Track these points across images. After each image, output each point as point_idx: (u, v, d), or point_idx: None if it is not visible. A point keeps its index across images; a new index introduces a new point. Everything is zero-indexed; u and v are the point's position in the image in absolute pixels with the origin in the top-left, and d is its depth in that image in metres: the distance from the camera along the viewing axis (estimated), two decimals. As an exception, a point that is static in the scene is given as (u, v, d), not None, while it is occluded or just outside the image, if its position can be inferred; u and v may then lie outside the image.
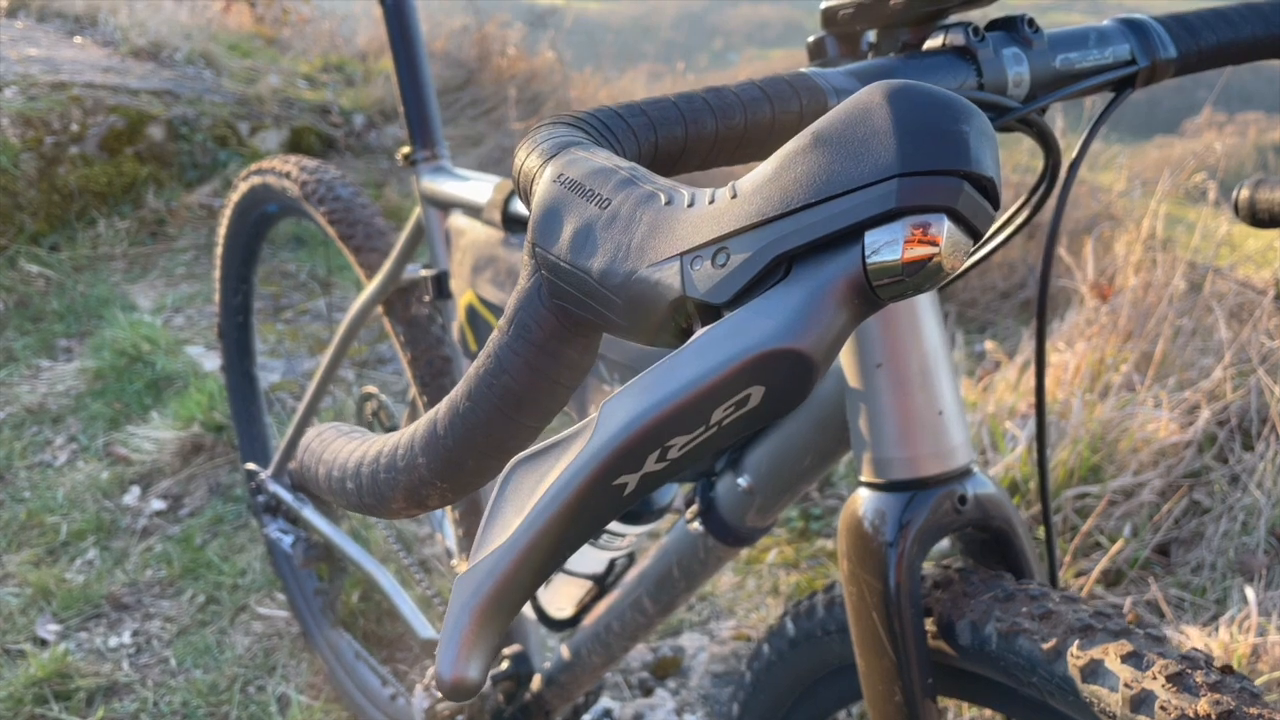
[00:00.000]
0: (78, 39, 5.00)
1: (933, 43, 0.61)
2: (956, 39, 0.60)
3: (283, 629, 1.99)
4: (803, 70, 0.55)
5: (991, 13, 0.64)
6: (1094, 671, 0.60)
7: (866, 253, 0.32)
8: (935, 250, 0.32)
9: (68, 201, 3.63)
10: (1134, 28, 0.65)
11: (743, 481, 0.85)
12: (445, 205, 1.16)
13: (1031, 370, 2.22)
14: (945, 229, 0.32)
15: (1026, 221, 0.72)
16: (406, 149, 1.22)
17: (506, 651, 1.21)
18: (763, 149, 0.53)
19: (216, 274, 1.80)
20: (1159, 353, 2.10)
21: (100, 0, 5.53)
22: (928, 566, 0.74)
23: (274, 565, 1.93)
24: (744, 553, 2.09)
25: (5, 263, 3.50)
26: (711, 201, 0.36)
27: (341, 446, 0.51)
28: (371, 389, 1.62)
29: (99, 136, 3.74)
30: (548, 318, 0.42)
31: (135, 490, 2.49)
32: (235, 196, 1.65)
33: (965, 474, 0.71)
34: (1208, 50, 0.67)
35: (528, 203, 0.43)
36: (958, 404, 0.71)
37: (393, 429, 1.60)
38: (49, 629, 2.08)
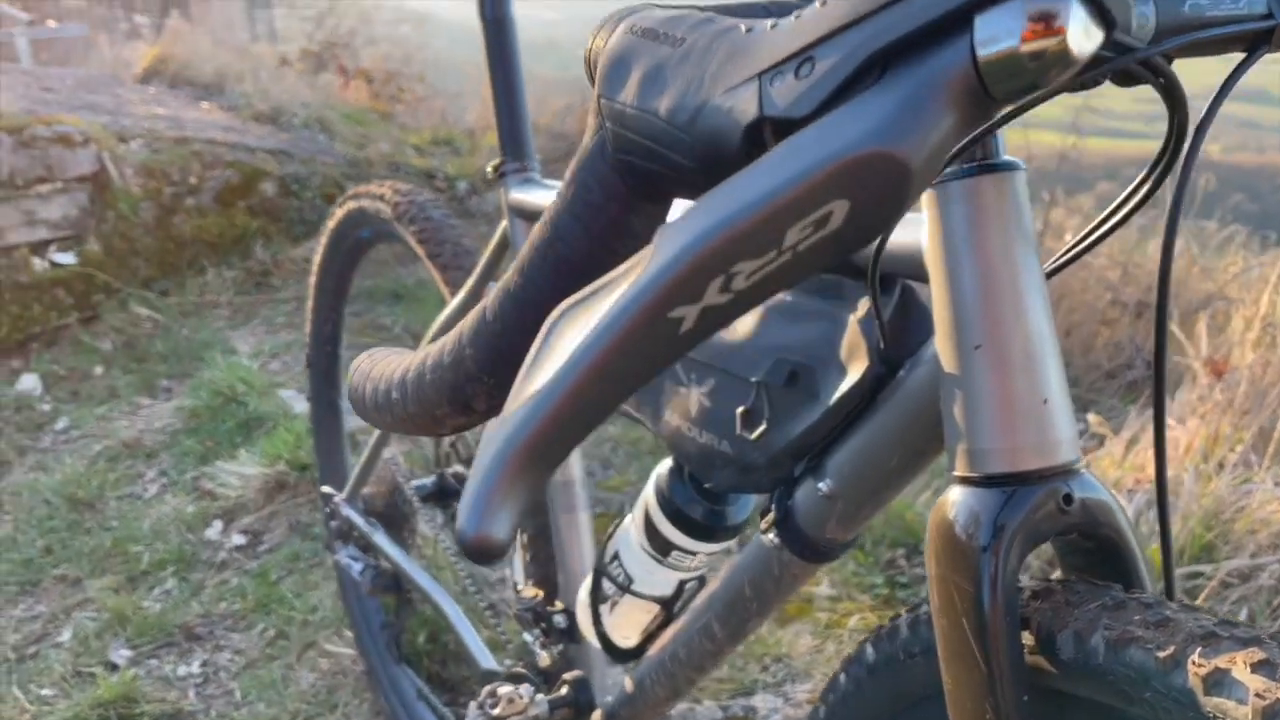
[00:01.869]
0: (204, 104, 5.23)
1: None
2: None
3: (348, 667, 1.95)
4: None
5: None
6: (1219, 682, 0.52)
7: (976, 41, 0.28)
8: (1060, 34, 0.27)
9: (180, 249, 3.76)
10: None
11: (823, 486, 0.79)
12: (532, 216, 1.14)
13: (1140, 448, 2.10)
14: (1072, 7, 0.27)
15: (1150, 194, 0.66)
16: (496, 161, 1.21)
17: (567, 677, 1.15)
18: None
19: (309, 303, 1.82)
20: (1279, 431, 1.97)
21: (228, 69, 5.80)
22: (1025, 576, 0.67)
23: (342, 596, 1.90)
24: (824, 617, 2.00)
25: (117, 305, 3.62)
26: (798, 17, 0.32)
27: (391, 361, 0.48)
28: (451, 419, 1.60)
29: (215, 189, 3.88)
30: (610, 176, 0.39)
31: (218, 524, 2.51)
32: (332, 223, 1.67)
33: (1071, 472, 0.64)
34: None
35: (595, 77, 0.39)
36: (1064, 394, 0.65)
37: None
38: (121, 654, 2.08)
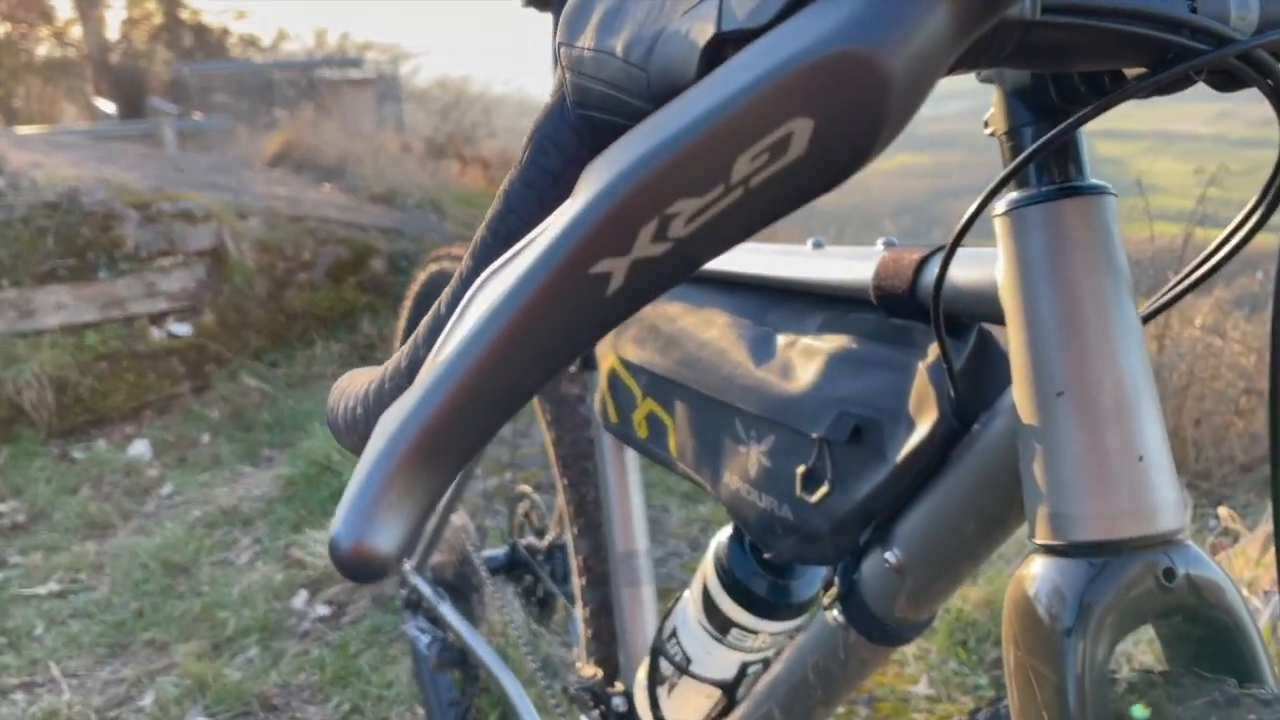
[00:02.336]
0: (325, 186, 5.42)
1: None
2: None
3: (419, 746, 1.89)
4: None
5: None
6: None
7: None
8: None
9: (291, 322, 3.85)
10: None
11: (891, 557, 0.70)
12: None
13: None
14: None
15: (1259, 226, 0.57)
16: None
17: (619, 767, 1.06)
18: None
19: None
20: None
21: (350, 154, 6.01)
22: (1119, 664, 0.57)
23: (415, 668, 1.85)
24: (920, 719, 1.85)
25: (228, 375, 3.71)
26: None
27: (362, 377, 0.42)
28: (525, 489, 1.55)
29: (326, 265, 3.97)
30: (568, 137, 0.33)
31: (303, 594, 2.49)
32: (416, 286, 1.65)
33: (1173, 543, 0.55)
34: None
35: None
36: (1164, 451, 0.55)
37: (542, 532, 1.51)
38: (197, 720, 2.06)
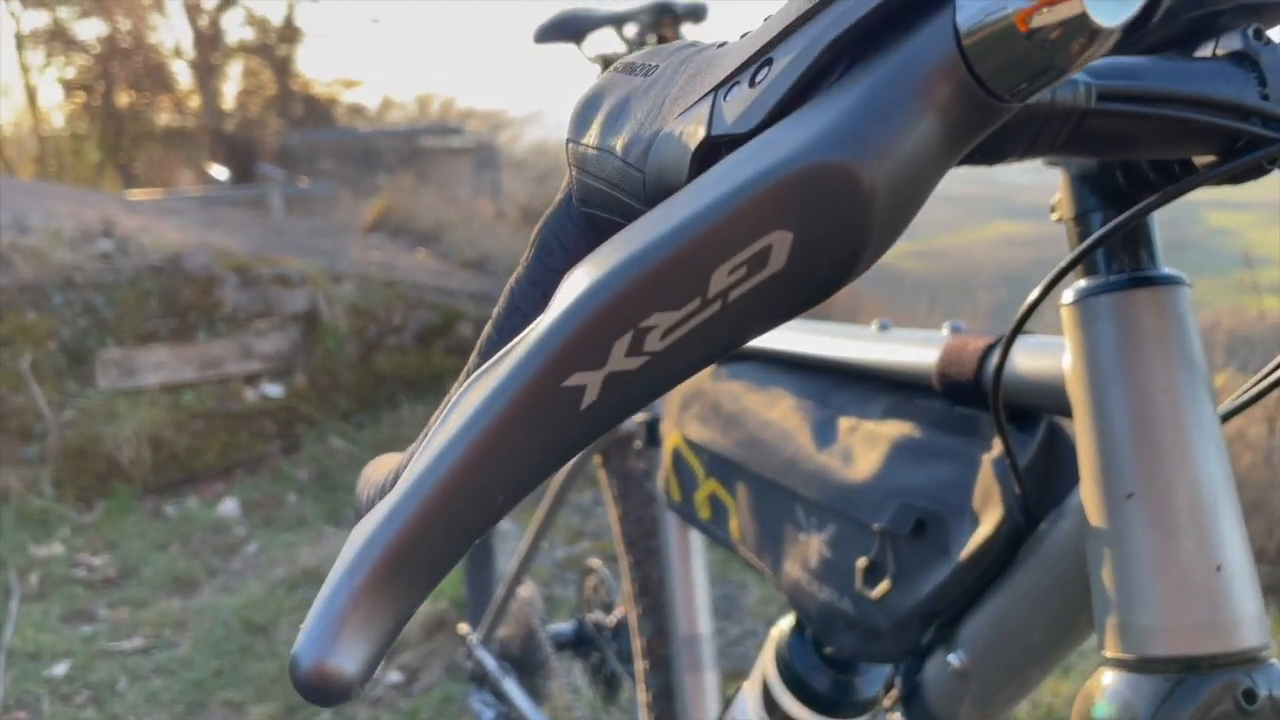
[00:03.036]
0: (419, 252, 5.54)
1: (1202, 52, 0.47)
2: (1232, 43, 0.46)
3: (482, 822, 1.85)
4: None
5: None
6: None
7: (959, 17, 0.20)
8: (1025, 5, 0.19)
9: (379, 385, 3.92)
10: None
11: (954, 659, 0.67)
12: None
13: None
14: None
15: None
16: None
17: None
18: None
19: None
20: None
21: (445, 221, 6.15)
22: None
23: (479, 745, 1.82)
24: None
25: (316, 436, 3.78)
26: (768, 19, 0.25)
27: (387, 463, 0.41)
28: (595, 563, 1.52)
29: (416, 329, 4.04)
30: (573, 234, 0.32)
31: (378, 659, 2.49)
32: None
33: (1256, 661, 0.50)
34: None
35: None
36: (1245, 560, 0.51)
37: (610, 608, 1.48)
38: (267, 785, 2.07)
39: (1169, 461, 0.52)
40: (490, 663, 1.50)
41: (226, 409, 3.63)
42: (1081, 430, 0.54)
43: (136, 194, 12.19)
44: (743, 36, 0.26)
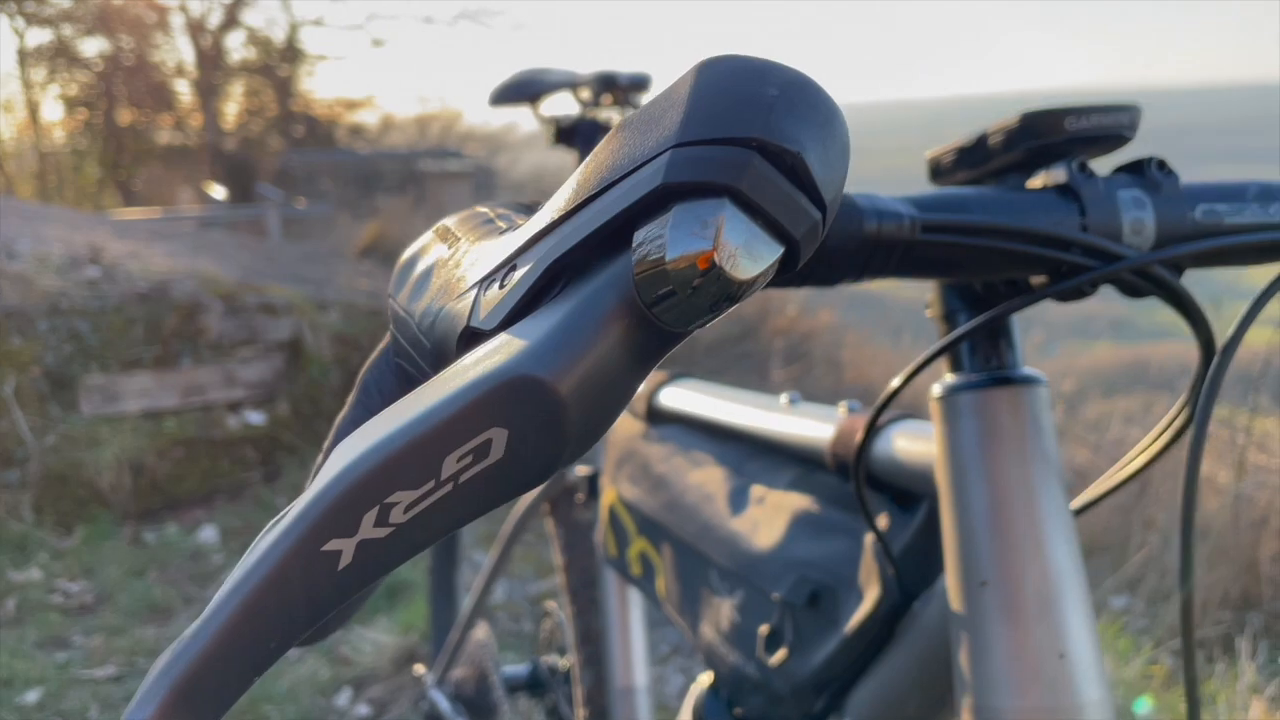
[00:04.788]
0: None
1: (1033, 182, 0.51)
2: (1058, 175, 0.49)
3: None
4: (853, 192, 0.47)
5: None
6: None
7: (634, 256, 0.24)
8: (708, 246, 0.22)
9: (362, 414, 3.94)
10: None
11: (844, 728, 0.70)
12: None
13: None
14: (721, 217, 0.23)
15: (1190, 422, 0.56)
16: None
17: None
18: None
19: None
20: None
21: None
22: None
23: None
24: None
25: (298, 464, 3.80)
26: (531, 216, 0.29)
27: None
28: (552, 605, 1.55)
29: (400, 359, 4.07)
30: (389, 380, 0.35)
31: (347, 691, 2.51)
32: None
33: None
34: None
35: None
36: (1090, 647, 0.54)
37: (565, 650, 1.51)
38: (230, 817, 2.08)
39: (1021, 553, 0.55)
40: (444, 704, 1.52)
41: (208, 436, 3.65)
42: (945, 518, 0.58)
43: (133, 213, 12.25)
44: (516, 227, 0.29)
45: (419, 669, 1.67)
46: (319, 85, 18.46)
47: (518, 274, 0.27)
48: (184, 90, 17.49)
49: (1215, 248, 0.49)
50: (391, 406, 0.26)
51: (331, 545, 0.26)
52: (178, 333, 3.66)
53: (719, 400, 0.91)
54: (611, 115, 1.24)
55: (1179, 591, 0.53)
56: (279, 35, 17.86)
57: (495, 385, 0.24)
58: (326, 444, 0.36)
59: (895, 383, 0.57)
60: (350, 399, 0.37)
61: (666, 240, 0.23)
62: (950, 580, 0.57)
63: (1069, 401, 3.61)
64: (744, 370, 4.32)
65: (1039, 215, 0.48)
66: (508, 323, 0.26)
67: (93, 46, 16.49)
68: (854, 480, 0.61)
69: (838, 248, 0.45)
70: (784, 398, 0.83)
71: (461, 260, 0.31)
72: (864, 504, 0.61)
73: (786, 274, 0.25)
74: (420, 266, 0.33)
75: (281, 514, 0.27)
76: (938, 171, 0.56)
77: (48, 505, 3.46)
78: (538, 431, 0.24)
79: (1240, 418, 2.72)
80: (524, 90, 1.24)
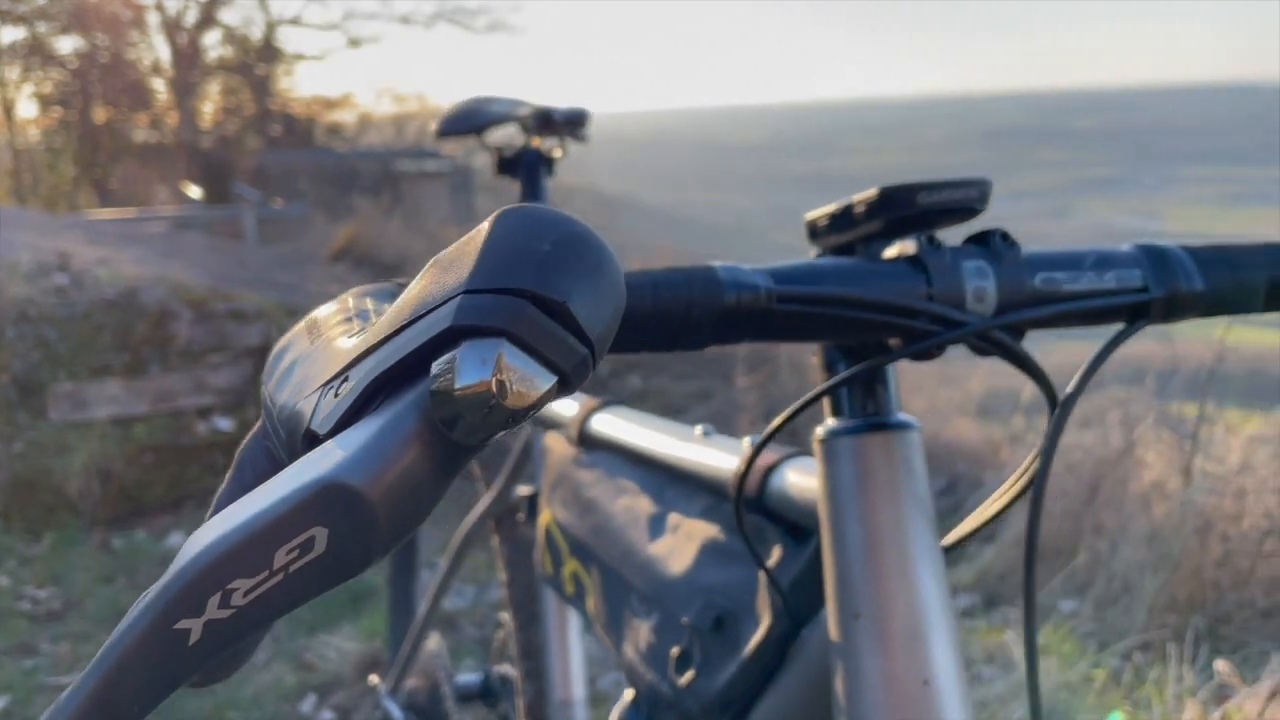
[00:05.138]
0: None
1: (890, 251, 0.55)
2: (909, 246, 0.54)
3: None
4: (715, 263, 0.51)
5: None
6: None
7: (432, 383, 0.28)
8: (488, 378, 0.27)
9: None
10: (1151, 253, 0.56)
11: (745, 747, 0.74)
12: (547, 423, 1.15)
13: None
14: (499, 354, 0.27)
15: (1042, 474, 0.60)
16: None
17: None
18: (642, 340, 0.49)
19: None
20: None
21: (410, 250, 6.22)
22: None
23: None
24: None
25: (268, 469, 3.83)
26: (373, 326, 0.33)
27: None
28: (505, 616, 1.59)
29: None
30: (261, 459, 0.39)
31: (312, 698, 2.54)
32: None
33: None
34: (1254, 287, 0.56)
35: None
36: (955, 677, 0.59)
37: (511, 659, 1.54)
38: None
39: (891, 587, 0.59)
40: (396, 714, 1.56)
41: (177, 442, 3.67)
42: (825, 553, 0.62)
43: (107, 214, 12.20)
44: (362, 331, 0.33)
45: (373, 679, 1.70)
46: (297, 84, 18.40)
47: (348, 385, 0.31)
48: (160, 89, 17.43)
49: (1051, 313, 0.54)
50: (239, 500, 0.30)
51: (181, 624, 0.29)
52: (147, 339, 3.67)
53: (643, 429, 0.95)
54: (554, 147, 1.28)
55: (1023, 623, 0.58)
56: (256, 34, 17.82)
57: (316, 490, 0.28)
58: (209, 513, 0.40)
59: (774, 424, 0.61)
60: (229, 474, 0.41)
61: (455, 372, 0.27)
62: (829, 611, 0.62)
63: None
64: (710, 375, 4.37)
65: (888, 285, 0.52)
66: (336, 430, 0.30)
67: (68, 44, 16.40)
68: (735, 513, 0.65)
69: (701, 316, 0.49)
70: (699, 429, 0.88)
71: (317, 359, 0.34)
72: (745, 535, 0.65)
73: (568, 391, 0.30)
74: (287, 359, 0.37)
75: (143, 594, 0.30)
76: (814, 233, 0.60)
77: (15, 512, 3.47)
78: (353, 531, 0.28)
79: (1190, 425, 2.78)
80: (467, 122, 1.27)
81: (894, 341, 0.55)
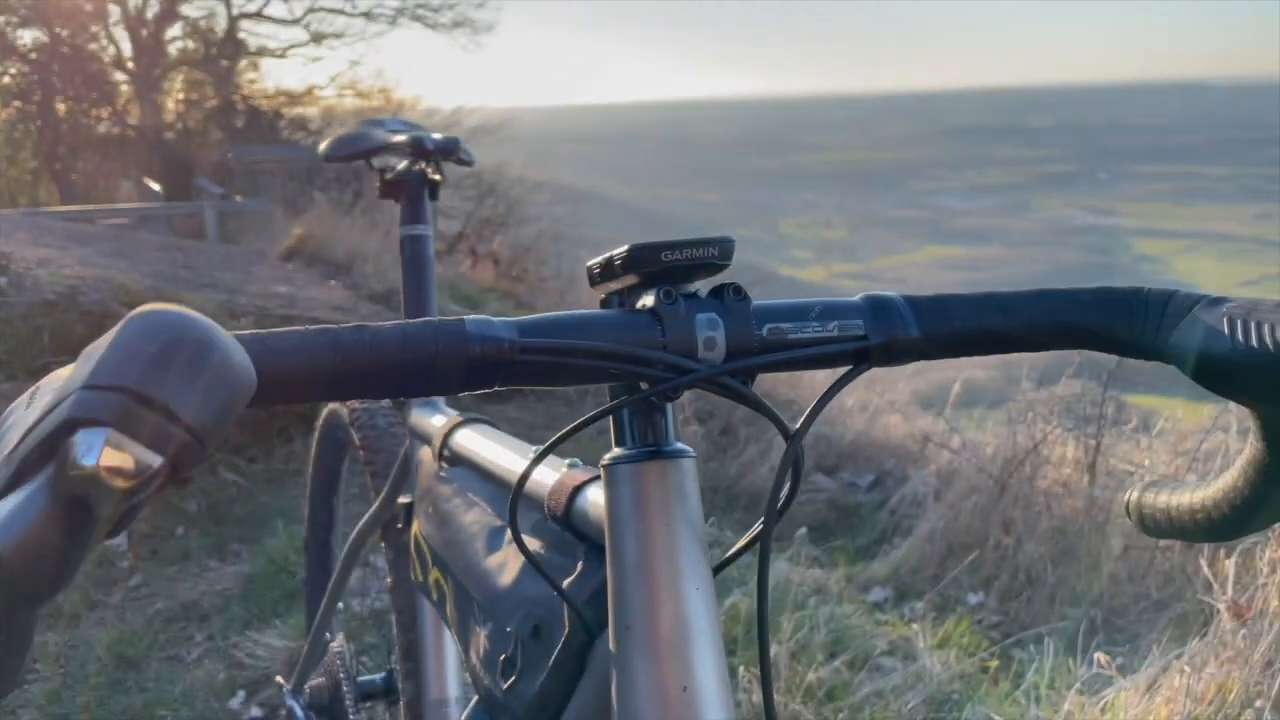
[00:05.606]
0: (332, 283, 5.62)
1: (641, 302, 0.61)
2: (648, 299, 0.60)
3: None
4: (468, 317, 0.57)
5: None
6: None
7: (58, 462, 0.34)
8: (94, 464, 0.33)
9: (272, 419, 4.00)
10: (875, 303, 0.63)
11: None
12: (422, 437, 1.21)
13: (1157, 696, 1.98)
14: (105, 443, 0.33)
15: (772, 504, 0.67)
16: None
17: None
18: (393, 387, 0.55)
19: (307, 490, 1.92)
20: (1303, 690, 1.82)
21: (360, 249, 6.24)
22: None
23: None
24: None
25: (207, 469, 3.85)
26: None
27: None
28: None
29: (312, 364, 4.12)
30: None
31: (241, 695, 2.58)
32: (320, 423, 1.78)
33: None
34: (966, 333, 0.63)
35: None
36: (715, 681, 0.65)
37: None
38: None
39: (658, 602, 0.65)
40: (299, 713, 1.62)
41: (117, 442, 3.68)
42: (608, 569, 0.68)
43: (63, 209, 12.07)
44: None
45: (279, 678, 1.76)
46: (260, 78, 18.22)
47: (13, 458, 0.37)
48: (123, 81, 17.24)
49: (775, 360, 0.61)
50: None
51: None
52: (86, 341, 3.66)
53: (493, 445, 1.02)
54: (434, 171, 1.34)
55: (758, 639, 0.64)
56: (219, 27, 17.65)
57: None
58: None
59: (549, 444, 0.68)
60: None
61: (73, 456, 0.33)
62: (610, 623, 0.68)
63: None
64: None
65: (626, 335, 0.59)
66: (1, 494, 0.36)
67: (28, 37, 16.17)
68: (510, 527, 0.71)
69: (448, 366, 0.55)
70: (533, 450, 0.94)
71: (16, 426, 0.40)
72: (524, 549, 0.71)
73: (183, 473, 0.36)
74: (9, 420, 0.43)
75: None
76: (592, 281, 0.66)
77: (-47, 512, 3.47)
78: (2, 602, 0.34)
79: (1093, 425, 2.88)
80: (350, 148, 1.33)
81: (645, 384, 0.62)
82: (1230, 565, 2.04)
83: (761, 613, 0.65)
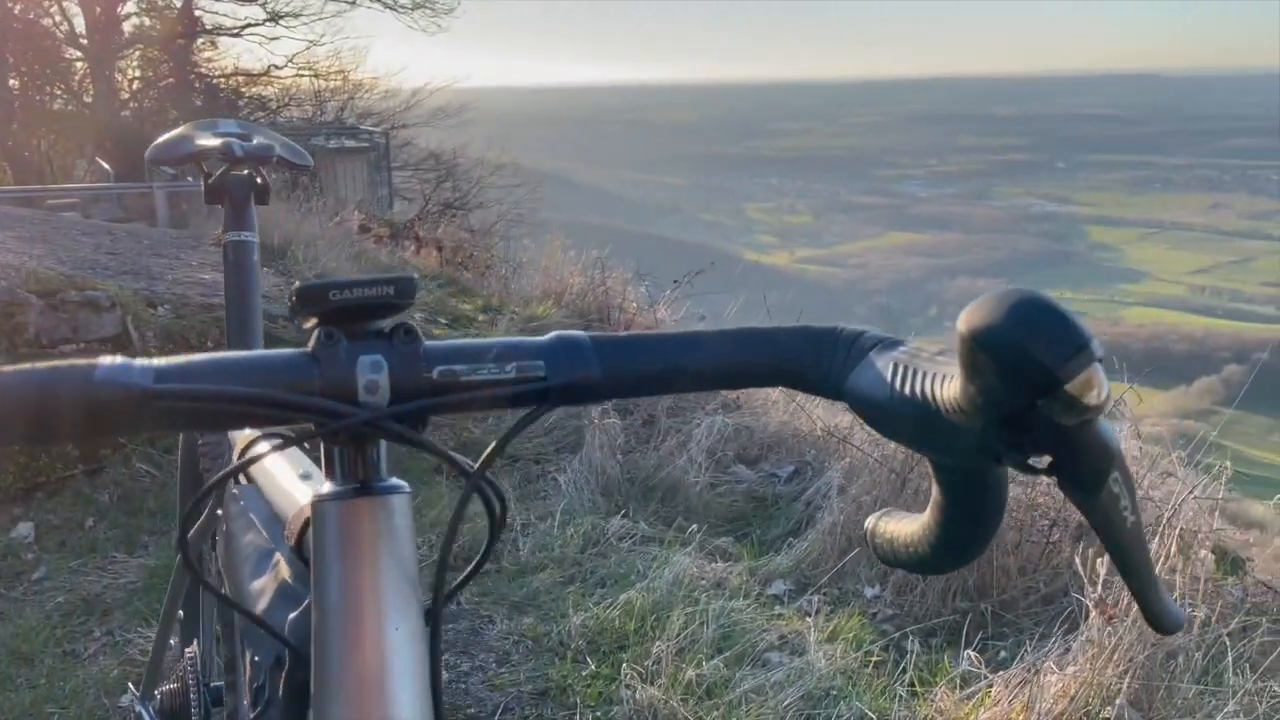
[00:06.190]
0: (264, 269, 5.55)
1: (310, 346, 0.60)
2: (310, 341, 0.59)
3: None
4: (103, 360, 0.56)
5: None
6: None
7: None
8: None
9: (188, 410, 3.95)
10: (561, 343, 0.63)
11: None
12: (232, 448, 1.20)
13: (1024, 693, 2.00)
14: None
15: (452, 529, 0.67)
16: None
17: None
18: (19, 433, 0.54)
19: (178, 489, 1.91)
20: (1160, 689, 1.86)
21: (296, 235, 6.17)
22: None
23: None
24: None
25: (122, 460, 3.81)
26: None
27: None
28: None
29: (231, 354, 4.08)
30: None
31: (133, 692, 2.56)
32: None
33: None
34: (650, 374, 0.63)
35: None
36: (418, 714, 0.65)
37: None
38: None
39: (366, 639, 0.64)
40: (146, 718, 1.60)
41: (26, 433, 3.62)
42: (313, 609, 0.67)
43: (10, 189, 11.85)
44: None
45: (130, 687, 1.74)
46: (219, 56, 17.97)
47: None
48: (77, 58, 16.94)
49: (445, 402, 0.60)
50: None
51: None
52: (-7, 329, 3.63)
53: (278, 464, 1.01)
54: (257, 176, 1.33)
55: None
56: (175, 3, 17.38)
57: None
58: None
59: (225, 470, 0.67)
60: None
61: None
62: (312, 663, 0.68)
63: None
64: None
65: (280, 378, 0.58)
66: None
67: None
68: (181, 554, 0.69)
69: (72, 412, 0.54)
70: (314, 470, 0.93)
71: None
72: (196, 574, 0.71)
73: None
74: None
75: None
76: (291, 315, 0.65)
77: None
78: None
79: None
80: (172, 152, 1.31)
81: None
82: (1102, 564, 2.07)
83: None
